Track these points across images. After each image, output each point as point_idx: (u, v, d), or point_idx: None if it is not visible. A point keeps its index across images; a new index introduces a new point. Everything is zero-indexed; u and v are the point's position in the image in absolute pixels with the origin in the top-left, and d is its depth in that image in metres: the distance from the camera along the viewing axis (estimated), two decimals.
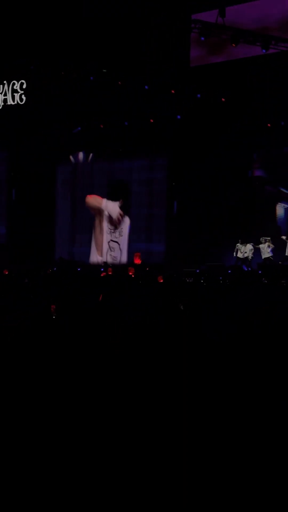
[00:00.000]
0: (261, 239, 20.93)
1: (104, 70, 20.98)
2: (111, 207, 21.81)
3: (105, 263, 20.65)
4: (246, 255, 20.82)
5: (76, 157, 24.47)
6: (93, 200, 22.07)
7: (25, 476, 4.90)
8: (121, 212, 21.28)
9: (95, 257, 21.65)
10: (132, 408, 5.36)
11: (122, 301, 6.31)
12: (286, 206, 21.58)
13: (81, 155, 24.35)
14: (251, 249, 20.84)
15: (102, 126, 22.83)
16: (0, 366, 5.46)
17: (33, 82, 20.61)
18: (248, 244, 20.91)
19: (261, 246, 20.75)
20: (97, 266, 19.75)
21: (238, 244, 20.94)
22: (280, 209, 21.66)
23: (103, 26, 19.71)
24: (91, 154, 24.14)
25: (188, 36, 21.00)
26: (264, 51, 19.15)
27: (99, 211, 22.00)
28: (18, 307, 6.79)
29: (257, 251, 20.76)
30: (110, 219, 21.60)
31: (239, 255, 20.94)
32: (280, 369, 5.62)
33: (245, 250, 20.89)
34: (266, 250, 20.62)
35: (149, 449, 5.16)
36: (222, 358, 5.65)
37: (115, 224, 21.53)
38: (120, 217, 21.24)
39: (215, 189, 21.41)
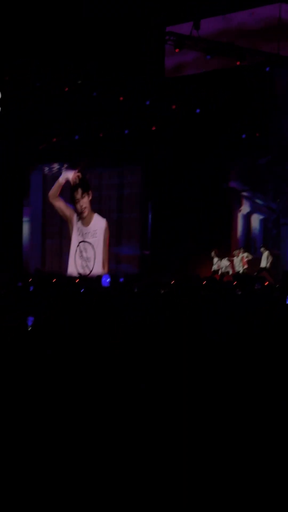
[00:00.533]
0: (234, 252, 21.00)
1: (79, 82, 20.99)
2: (69, 173, 20.51)
3: (80, 275, 20.22)
4: (222, 270, 20.83)
5: (50, 167, 24.42)
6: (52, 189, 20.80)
7: (26, 476, 4.85)
8: (79, 174, 19.63)
9: (73, 267, 21.04)
10: (132, 408, 5.33)
11: (122, 301, 6.28)
12: (261, 217, 21.69)
13: (55, 165, 24.31)
14: (227, 264, 20.85)
15: (77, 137, 22.87)
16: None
17: (8, 93, 20.51)
18: (223, 260, 20.89)
19: (235, 259, 20.79)
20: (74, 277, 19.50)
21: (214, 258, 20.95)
22: (255, 221, 21.77)
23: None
24: (65, 165, 24.07)
25: (163, 47, 21.13)
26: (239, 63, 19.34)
27: (65, 211, 20.91)
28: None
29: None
30: (73, 197, 19.74)
31: (214, 267, 20.95)
32: (280, 369, 5.62)
33: (221, 266, 20.88)
34: (239, 263, 20.66)
35: (149, 449, 5.13)
36: (222, 358, 5.63)
37: (79, 209, 19.55)
38: (78, 178, 19.48)
39: (191, 200, 21.47)
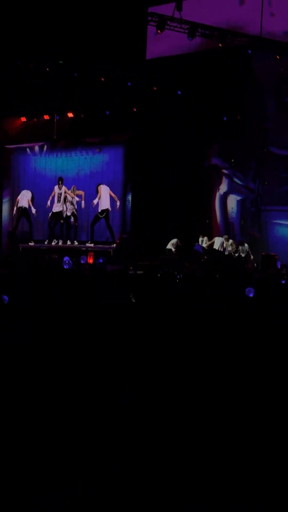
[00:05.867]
0: (224, 236, 20.86)
1: (60, 62, 20.91)
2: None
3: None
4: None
5: (32, 147, 24.36)
6: None
7: (26, 476, 4.96)
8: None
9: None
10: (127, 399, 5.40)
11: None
12: (239, 197, 21.80)
13: (36, 146, 24.26)
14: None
15: (58, 117, 22.90)
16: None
17: None
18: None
19: (226, 243, 20.53)
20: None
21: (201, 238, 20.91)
22: (233, 199, 21.89)
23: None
24: (45, 145, 24.06)
25: (145, 28, 21.14)
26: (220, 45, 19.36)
27: None
28: None
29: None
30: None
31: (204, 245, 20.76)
32: (280, 368, 5.67)
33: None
34: (230, 247, 20.42)
35: (150, 447, 5.24)
36: (222, 357, 5.69)
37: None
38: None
39: (172, 180, 21.56)
